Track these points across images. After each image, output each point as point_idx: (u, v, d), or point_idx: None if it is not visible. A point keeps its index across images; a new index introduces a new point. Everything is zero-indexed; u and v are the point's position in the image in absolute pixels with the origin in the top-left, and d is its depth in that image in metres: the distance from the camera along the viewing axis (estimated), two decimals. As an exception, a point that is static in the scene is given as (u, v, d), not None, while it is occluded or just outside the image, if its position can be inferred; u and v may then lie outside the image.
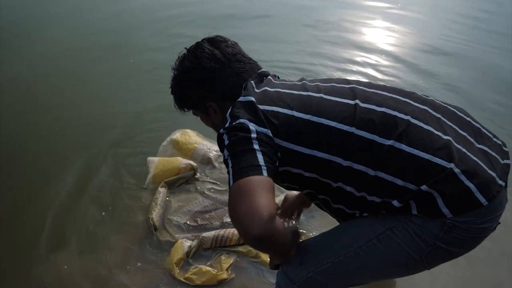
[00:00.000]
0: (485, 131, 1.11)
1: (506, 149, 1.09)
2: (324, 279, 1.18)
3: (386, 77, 3.40)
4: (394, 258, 1.08)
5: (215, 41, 1.22)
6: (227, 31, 1.56)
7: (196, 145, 2.26)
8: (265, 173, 0.94)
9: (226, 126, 1.03)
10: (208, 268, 1.68)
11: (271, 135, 1.01)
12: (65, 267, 1.71)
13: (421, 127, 1.03)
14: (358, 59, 3.69)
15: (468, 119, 1.12)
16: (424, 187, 0.97)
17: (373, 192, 1.06)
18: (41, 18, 4.18)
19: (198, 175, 2.16)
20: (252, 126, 1.00)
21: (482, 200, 0.96)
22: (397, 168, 1.01)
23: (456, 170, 0.97)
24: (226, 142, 1.01)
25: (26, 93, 2.95)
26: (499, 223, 1.08)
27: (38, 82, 3.07)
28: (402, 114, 1.05)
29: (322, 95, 1.08)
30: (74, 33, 3.89)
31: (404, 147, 1.00)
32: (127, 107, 2.78)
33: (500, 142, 1.10)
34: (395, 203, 1.01)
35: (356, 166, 1.03)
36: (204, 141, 2.33)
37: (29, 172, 2.25)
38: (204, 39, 1.24)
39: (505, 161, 1.05)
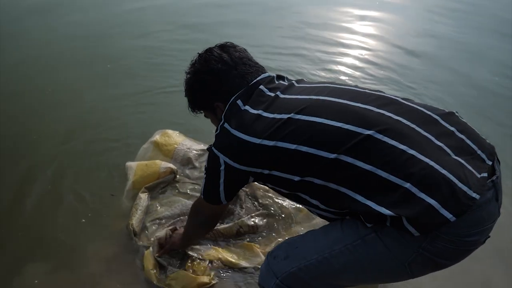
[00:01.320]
0: (468, 142, 1.07)
1: (489, 162, 1.05)
2: (307, 276, 1.18)
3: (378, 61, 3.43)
4: (377, 261, 1.09)
5: (224, 46, 1.33)
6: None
7: (176, 146, 2.22)
8: (224, 203, 1.32)
9: (212, 147, 1.23)
10: (186, 272, 1.65)
11: (238, 167, 1.18)
12: (36, 281, 1.63)
13: (385, 142, 1.02)
14: (345, 47, 3.68)
15: (451, 128, 1.08)
16: (384, 211, 0.97)
17: (336, 206, 1.12)
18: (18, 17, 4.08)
19: (178, 177, 2.10)
20: (222, 160, 1.19)
21: (449, 216, 0.94)
22: (354, 183, 1.04)
23: (414, 189, 0.96)
24: (206, 162, 1.27)
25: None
26: (489, 236, 1.05)
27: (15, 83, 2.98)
28: (364, 129, 1.04)
29: (292, 115, 1.12)
30: (52, 35, 3.78)
31: (358, 162, 1.02)
32: (107, 111, 2.69)
33: (484, 156, 1.05)
34: (367, 224, 1.05)
35: (316, 180, 1.09)
36: (185, 140, 2.28)
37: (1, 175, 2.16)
38: (216, 45, 1.34)
39: (483, 175, 1.01)
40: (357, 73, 3.31)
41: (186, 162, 2.17)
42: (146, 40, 3.67)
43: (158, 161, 2.09)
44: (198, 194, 2.00)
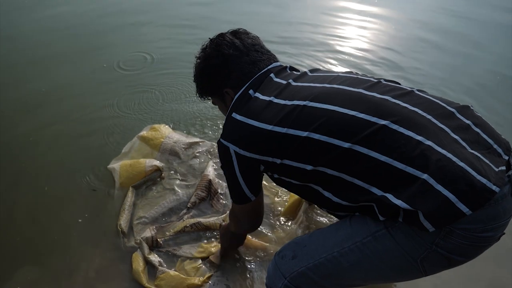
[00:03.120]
0: (484, 136, 1.02)
1: (506, 157, 1.00)
2: (316, 276, 1.12)
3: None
4: (388, 258, 1.03)
5: (237, 32, 1.29)
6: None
7: (162, 140, 2.13)
8: (252, 199, 1.24)
9: (220, 139, 1.18)
10: (176, 272, 1.58)
11: (248, 155, 1.13)
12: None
13: (401, 133, 0.98)
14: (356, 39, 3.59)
15: (467, 122, 1.03)
16: (402, 204, 0.92)
17: (350, 198, 1.04)
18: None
19: (164, 173, 2.01)
20: (232, 150, 1.15)
21: (465, 209, 0.89)
22: (369, 175, 0.99)
23: (431, 181, 0.91)
24: (219, 158, 1.23)
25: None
26: (504, 233, 1.00)
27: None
28: (379, 119, 1.00)
29: (306, 102, 1.08)
30: (48, 30, 3.61)
31: (373, 153, 0.97)
32: (99, 111, 2.55)
33: (500, 151, 1.01)
34: (380, 217, 0.99)
35: (329, 171, 1.04)
36: (171, 133, 2.20)
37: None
38: (228, 30, 1.31)
39: (501, 168, 0.96)
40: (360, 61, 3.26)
41: (174, 155, 2.10)
42: (143, 39, 3.52)
43: (142, 160, 2.00)
44: (184, 191, 1.94)
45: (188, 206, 1.85)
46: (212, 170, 2.01)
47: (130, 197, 1.87)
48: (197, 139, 2.20)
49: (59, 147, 2.24)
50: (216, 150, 2.10)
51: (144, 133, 2.17)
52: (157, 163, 1.98)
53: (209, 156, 2.14)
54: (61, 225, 1.80)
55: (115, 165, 2.00)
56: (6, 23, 3.69)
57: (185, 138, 2.18)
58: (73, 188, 1.97)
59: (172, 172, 2.04)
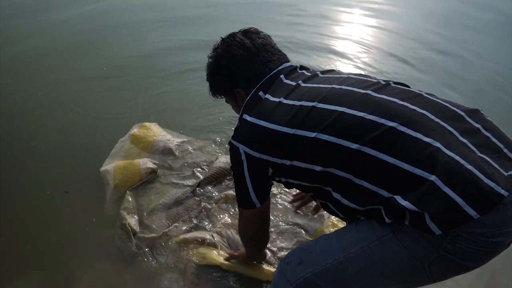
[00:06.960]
0: (494, 140, 0.97)
1: None
2: (322, 282, 1.09)
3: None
4: (395, 263, 1.00)
5: (247, 32, 1.27)
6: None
7: (154, 138, 2.08)
8: (257, 205, 1.21)
9: (231, 141, 1.17)
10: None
11: (258, 156, 1.11)
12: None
13: (409, 135, 0.94)
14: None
15: (476, 125, 0.99)
16: (409, 205, 0.89)
17: (358, 201, 1.01)
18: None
19: (159, 171, 1.99)
20: (242, 151, 1.13)
21: (472, 213, 0.85)
22: (377, 178, 0.96)
23: (438, 183, 0.87)
24: (230, 159, 1.20)
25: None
26: None
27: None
28: (387, 121, 0.97)
29: (315, 103, 1.07)
30: (47, 33, 3.53)
31: (381, 155, 0.94)
32: (100, 115, 2.51)
33: (511, 155, 0.96)
34: (386, 219, 0.96)
35: (338, 172, 1.01)
36: (163, 131, 2.16)
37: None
38: (239, 30, 1.28)
39: (510, 173, 0.91)
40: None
41: (167, 152, 2.07)
42: (142, 41, 3.47)
43: (136, 161, 1.94)
44: (183, 182, 1.96)
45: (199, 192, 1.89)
46: (223, 160, 2.00)
47: (130, 201, 1.83)
48: (188, 138, 2.19)
49: (63, 152, 2.20)
50: (208, 149, 2.15)
51: (135, 131, 2.10)
52: (151, 164, 1.93)
53: (202, 153, 2.13)
54: (64, 230, 1.76)
55: (108, 167, 1.93)
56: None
57: (178, 137, 2.16)
58: (74, 192, 1.93)
59: (167, 169, 2.02)
